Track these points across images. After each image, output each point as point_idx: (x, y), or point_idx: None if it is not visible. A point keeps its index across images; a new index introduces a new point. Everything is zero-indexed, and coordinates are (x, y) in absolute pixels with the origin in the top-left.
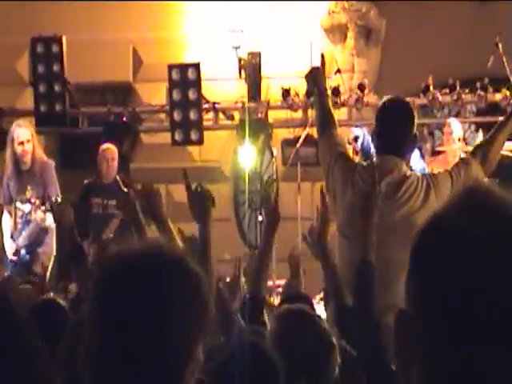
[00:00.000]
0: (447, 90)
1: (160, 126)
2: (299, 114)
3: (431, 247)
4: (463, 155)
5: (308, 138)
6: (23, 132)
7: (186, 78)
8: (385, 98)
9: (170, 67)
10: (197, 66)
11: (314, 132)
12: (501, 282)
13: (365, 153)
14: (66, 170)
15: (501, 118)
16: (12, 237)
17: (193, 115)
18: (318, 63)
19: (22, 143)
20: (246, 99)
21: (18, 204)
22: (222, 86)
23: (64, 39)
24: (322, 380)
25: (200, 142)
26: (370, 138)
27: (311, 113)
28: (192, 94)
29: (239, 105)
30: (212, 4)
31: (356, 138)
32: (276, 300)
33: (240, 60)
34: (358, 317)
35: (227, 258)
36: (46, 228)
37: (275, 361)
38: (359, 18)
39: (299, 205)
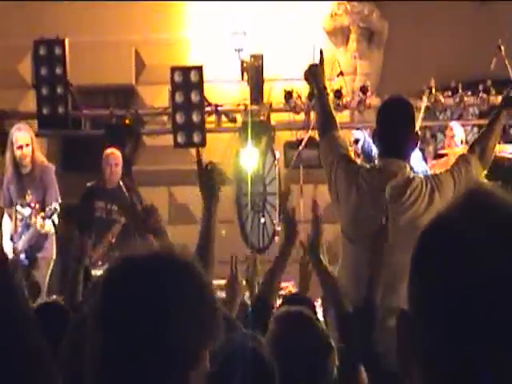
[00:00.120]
0: (449, 93)
1: (162, 128)
2: (301, 117)
3: (432, 248)
4: None
5: (310, 140)
6: (22, 136)
7: (188, 81)
8: (385, 99)
9: (173, 69)
10: (199, 69)
11: (317, 134)
12: (501, 282)
13: (366, 155)
14: (68, 173)
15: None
16: (12, 239)
17: (195, 117)
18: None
19: (20, 147)
20: (248, 101)
21: (18, 207)
22: (225, 88)
23: (66, 41)
24: (320, 382)
25: (202, 144)
26: (370, 141)
27: (313, 115)
28: (194, 97)
29: (242, 107)
30: (214, 6)
31: (356, 141)
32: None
33: (242, 62)
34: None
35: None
36: (46, 233)
37: (272, 367)
38: (361, 20)
39: (302, 207)
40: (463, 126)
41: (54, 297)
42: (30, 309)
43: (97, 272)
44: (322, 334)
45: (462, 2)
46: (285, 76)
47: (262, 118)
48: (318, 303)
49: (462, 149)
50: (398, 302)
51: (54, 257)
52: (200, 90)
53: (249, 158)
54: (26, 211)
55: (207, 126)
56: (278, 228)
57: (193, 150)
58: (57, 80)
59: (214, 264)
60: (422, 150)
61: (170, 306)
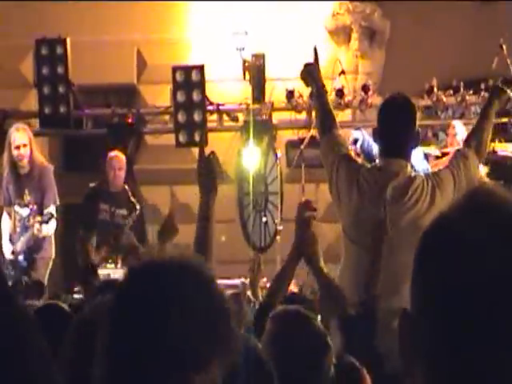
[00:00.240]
0: (451, 92)
1: (164, 127)
2: (303, 116)
3: (433, 248)
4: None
5: (312, 139)
6: (19, 136)
7: (190, 80)
8: (386, 97)
9: (174, 69)
10: (201, 68)
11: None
12: (501, 282)
13: (366, 154)
14: (70, 172)
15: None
16: (11, 240)
17: (197, 117)
18: (321, 64)
19: (18, 147)
20: (250, 101)
21: (17, 208)
22: (226, 87)
23: (68, 41)
24: (317, 380)
25: (204, 143)
26: (370, 140)
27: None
28: (196, 96)
29: (243, 106)
30: (216, 6)
31: (355, 141)
32: None
33: (244, 62)
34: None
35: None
36: (44, 237)
37: (270, 367)
38: (363, 19)
39: None
40: (465, 124)
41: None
42: (28, 310)
43: (103, 271)
44: (319, 333)
45: (464, 2)
46: (286, 75)
47: (263, 117)
48: None
49: None
50: (400, 302)
51: (53, 256)
52: (202, 90)
53: (250, 158)
54: (25, 212)
55: (209, 125)
56: (280, 227)
57: (194, 150)
58: (58, 79)
59: (211, 261)
60: None
61: (181, 315)
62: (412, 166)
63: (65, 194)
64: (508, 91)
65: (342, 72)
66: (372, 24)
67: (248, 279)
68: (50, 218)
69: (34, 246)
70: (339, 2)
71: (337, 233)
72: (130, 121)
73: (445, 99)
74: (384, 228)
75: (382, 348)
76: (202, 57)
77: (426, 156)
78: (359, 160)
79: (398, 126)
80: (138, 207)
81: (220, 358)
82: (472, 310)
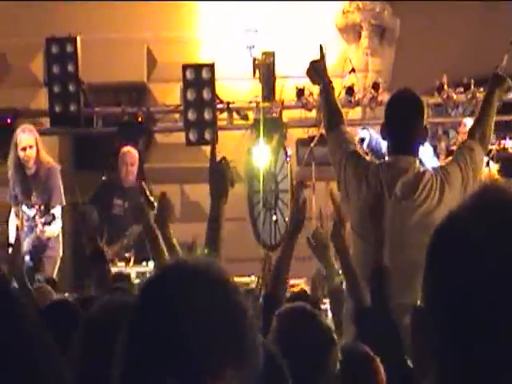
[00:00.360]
0: (461, 89)
1: (174, 125)
2: (313, 114)
3: (443, 246)
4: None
5: (322, 137)
6: (26, 137)
7: (200, 78)
8: (393, 93)
9: (185, 67)
10: (211, 66)
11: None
12: (509, 281)
13: (375, 152)
14: (80, 170)
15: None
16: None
17: (207, 115)
18: (331, 61)
19: (24, 149)
20: (260, 99)
21: (24, 208)
22: (236, 85)
23: (78, 39)
24: (323, 376)
25: (214, 141)
26: (378, 137)
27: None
28: (206, 94)
29: (253, 104)
30: (226, 4)
31: (362, 140)
32: None
33: (254, 60)
34: (377, 318)
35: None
36: (48, 238)
37: (282, 362)
38: (373, 17)
39: (314, 204)
40: None
41: (66, 294)
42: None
43: (113, 269)
44: (324, 329)
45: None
46: (296, 73)
47: (273, 115)
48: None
49: None
50: (410, 299)
51: (61, 255)
52: (212, 88)
53: (261, 156)
54: (32, 212)
55: (219, 123)
56: None
57: (204, 148)
58: (69, 78)
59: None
60: (434, 146)
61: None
62: (420, 161)
63: (75, 192)
64: (508, 79)
65: (352, 70)
66: (382, 22)
67: (260, 278)
68: (52, 220)
69: (40, 246)
70: (349, 0)
71: (347, 230)
72: (140, 119)
73: (455, 97)
74: (384, 203)
75: None
76: (212, 55)
77: (437, 154)
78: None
79: (405, 123)
80: (155, 205)
81: (236, 369)
82: (481, 309)
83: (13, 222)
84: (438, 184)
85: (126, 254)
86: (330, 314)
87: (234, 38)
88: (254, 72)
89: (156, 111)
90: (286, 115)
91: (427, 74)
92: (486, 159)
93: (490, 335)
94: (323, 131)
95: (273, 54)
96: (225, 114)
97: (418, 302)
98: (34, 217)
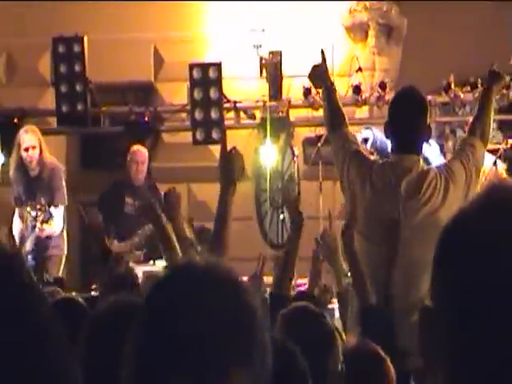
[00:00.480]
0: (469, 88)
1: (181, 125)
2: (320, 113)
3: (451, 246)
4: (489, 156)
5: None
6: (28, 138)
7: (207, 77)
8: (396, 92)
9: (191, 66)
10: (218, 65)
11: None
12: None
13: (380, 151)
14: (87, 170)
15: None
16: (21, 240)
17: (214, 114)
18: (338, 60)
19: (26, 149)
20: (267, 98)
21: (28, 209)
22: (243, 84)
23: (85, 39)
24: (325, 377)
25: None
26: (382, 136)
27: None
28: (213, 93)
29: (260, 104)
30: (233, 3)
31: (365, 140)
32: None
33: (261, 59)
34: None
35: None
36: (49, 236)
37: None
38: (380, 16)
39: (321, 204)
40: None
41: (74, 293)
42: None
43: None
44: (326, 329)
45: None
46: (303, 72)
47: (280, 114)
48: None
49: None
50: (415, 297)
51: (66, 253)
52: (219, 87)
53: (268, 155)
54: (34, 213)
55: (226, 122)
56: None
57: (211, 147)
58: (76, 77)
59: (227, 252)
60: (440, 145)
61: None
62: (427, 160)
63: (82, 191)
64: (505, 75)
65: (359, 69)
66: (389, 21)
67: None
68: (49, 218)
69: (43, 245)
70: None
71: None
72: (147, 119)
73: (462, 96)
74: (399, 228)
75: (399, 342)
76: (218, 54)
77: (444, 153)
78: (372, 157)
79: (409, 121)
80: None
81: (248, 359)
82: (488, 308)
83: (16, 223)
84: (442, 182)
85: (137, 253)
86: (337, 314)
87: (241, 37)
88: (261, 71)
89: (163, 111)
90: (293, 114)
91: (434, 73)
92: (493, 158)
93: (502, 334)
94: None
95: (280, 53)
96: (232, 114)
97: (426, 302)
98: (35, 217)
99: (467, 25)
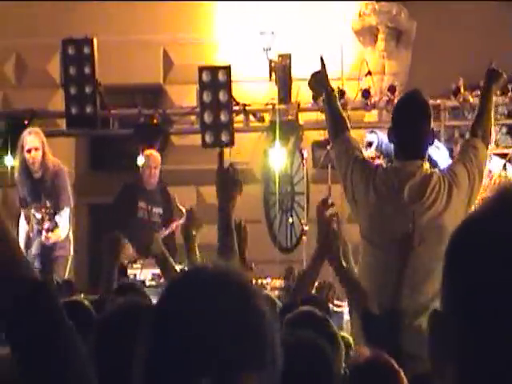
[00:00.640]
0: (478, 92)
1: (190, 127)
2: None
3: (462, 249)
4: (499, 160)
5: None
6: (31, 140)
7: (216, 80)
8: (400, 97)
9: (201, 69)
10: (227, 68)
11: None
12: None
13: (386, 155)
14: (97, 172)
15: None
16: (27, 244)
17: (223, 117)
18: (348, 64)
19: (29, 151)
20: (276, 101)
21: (33, 211)
22: (253, 87)
23: (95, 41)
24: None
25: (230, 143)
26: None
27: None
28: (222, 96)
29: (269, 107)
30: (243, 6)
31: (370, 144)
32: None
33: (270, 62)
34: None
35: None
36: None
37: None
38: (390, 20)
39: None
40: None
41: (82, 295)
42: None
43: (134, 271)
44: (330, 334)
45: (490, 2)
46: None
47: (289, 117)
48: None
49: (491, 148)
50: (420, 300)
51: (72, 254)
52: (228, 90)
53: (277, 158)
54: (39, 215)
55: (235, 125)
56: (306, 228)
57: (221, 150)
58: (85, 79)
59: (235, 256)
60: (450, 149)
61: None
62: (436, 164)
63: (91, 193)
64: (503, 74)
65: (369, 73)
66: (398, 24)
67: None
68: (54, 227)
69: (49, 248)
70: (365, 2)
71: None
72: (156, 121)
73: (472, 100)
74: (411, 242)
75: (404, 347)
76: (228, 57)
77: (453, 155)
78: (378, 161)
79: (411, 126)
80: (184, 212)
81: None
82: (499, 311)
83: (22, 224)
84: (445, 186)
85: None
86: (345, 317)
87: (251, 40)
88: (270, 74)
89: (172, 113)
90: (302, 117)
91: (443, 77)
92: (502, 162)
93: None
94: None
95: (289, 56)
96: (241, 116)
97: (433, 305)
98: (41, 220)
99: (476, 28)
